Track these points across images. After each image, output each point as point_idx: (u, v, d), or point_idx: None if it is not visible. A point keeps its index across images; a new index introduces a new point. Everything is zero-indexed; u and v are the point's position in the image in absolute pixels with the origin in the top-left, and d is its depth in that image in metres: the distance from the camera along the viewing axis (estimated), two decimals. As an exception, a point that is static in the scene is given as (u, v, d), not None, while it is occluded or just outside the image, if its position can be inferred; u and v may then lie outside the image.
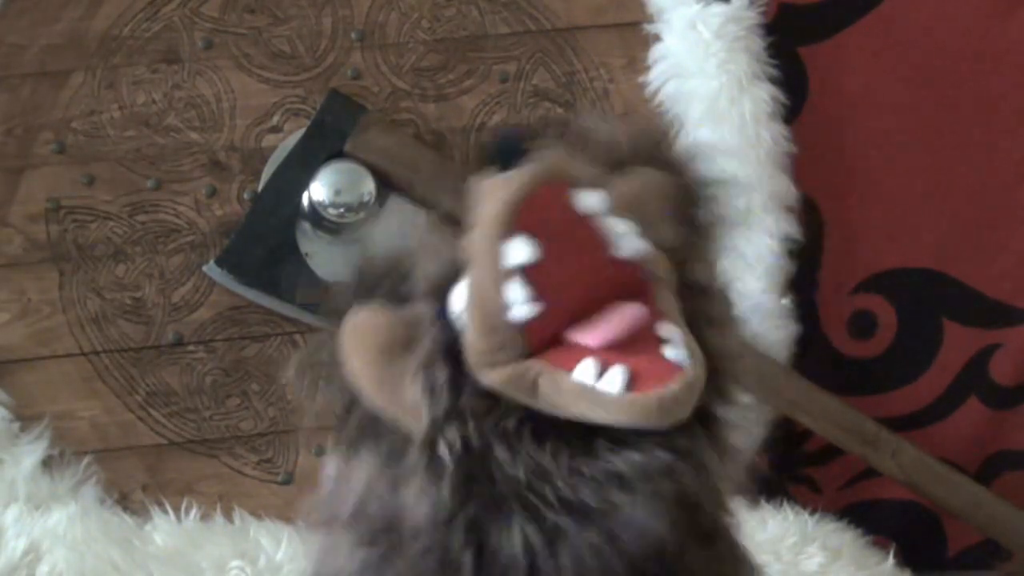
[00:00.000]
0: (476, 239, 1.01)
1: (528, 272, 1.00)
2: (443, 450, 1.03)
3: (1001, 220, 2.10)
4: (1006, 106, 2.08)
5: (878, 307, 2.10)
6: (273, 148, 1.88)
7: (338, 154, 1.87)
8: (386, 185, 1.87)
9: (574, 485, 1.02)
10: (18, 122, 1.85)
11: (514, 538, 1.03)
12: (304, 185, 1.87)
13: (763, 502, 1.86)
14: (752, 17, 1.93)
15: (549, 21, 1.92)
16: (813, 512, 1.89)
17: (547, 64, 1.93)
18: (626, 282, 1.02)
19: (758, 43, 1.93)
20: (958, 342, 2.12)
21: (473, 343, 1.03)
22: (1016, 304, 2.11)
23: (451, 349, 1.04)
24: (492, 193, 0.99)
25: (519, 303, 1.00)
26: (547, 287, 1.00)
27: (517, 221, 0.99)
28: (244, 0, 1.89)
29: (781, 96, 1.93)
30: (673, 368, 0.99)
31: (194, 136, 1.88)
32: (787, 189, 1.92)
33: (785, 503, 1.89)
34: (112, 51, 1.87)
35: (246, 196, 1.88)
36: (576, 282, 1.01)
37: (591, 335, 1.01)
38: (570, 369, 1.00)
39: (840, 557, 1.82)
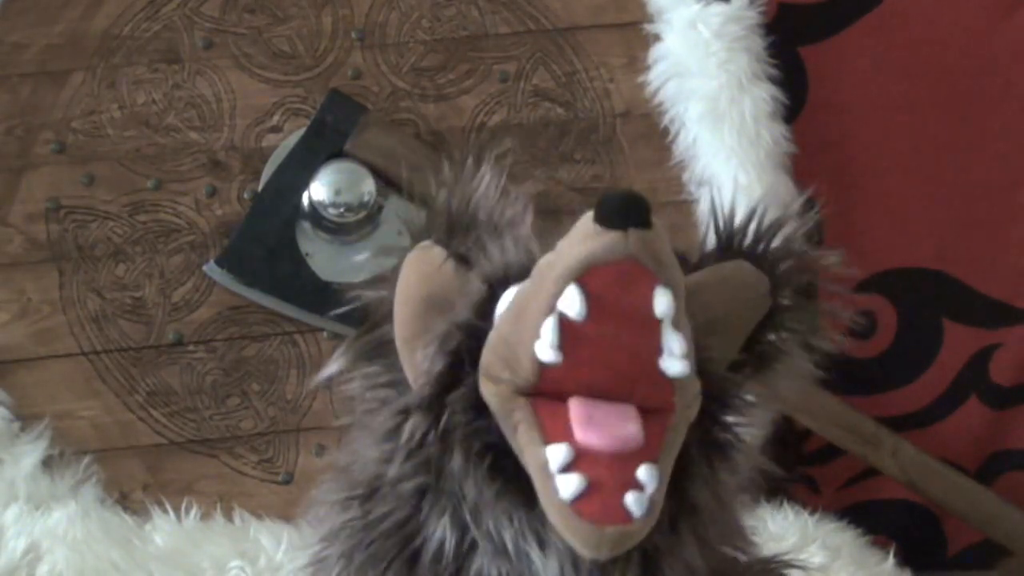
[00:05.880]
0: (547, 267, 1.02)
1: (567, 325, 1.00)
2: (415, 422, 1.07)
3: (1001, 220, 2.10)
4: (1006, 106, 2.08)
5: (878, 307, 2.10)
6: (273, 148, 1.88)
7: (338, 154, 1.87)
8: (386, 185, 1.87)
9: (500, 526, 1.05)
10: (18, 122, 1.85)
11: (441, 530, 1.07)
12: (304, 185, 1.87)
13: (763, 502, 1.86)
14: (752, 17, 1.93)
15: (549, 21, 1.92)
16: (813, 512, 1.89)
17: (547, 64, 1.93)
18: (653, 396, 1.03)
19: (758, 43, 1.93)
20: (958, 342, 2.12)
21: (492, 347, 1.05)
22: (1016, 304, 2.11)
23: (476, 339, 1.06)
24: (586, 238, 0.99)
25: (545, 342, 1.01)
26: (578, 349, 1.01)
27: (590, 278, 0.99)
28: (244, 0, 1.89)
29: (781, 96, 1.93)
30: (623, 513, 1.00)
31: (194, 136, 1.88)
32: (787, 189, 1.92)
33: (785, 503, 1.89)
34: (112, 51, 1.87)
35: (246, 196, 1.88)
36: (608, 365, 1.02)
37: (585, 429, 1.02)
38: (547, 440, 1.02)
39: (840, 557, 1.82)
